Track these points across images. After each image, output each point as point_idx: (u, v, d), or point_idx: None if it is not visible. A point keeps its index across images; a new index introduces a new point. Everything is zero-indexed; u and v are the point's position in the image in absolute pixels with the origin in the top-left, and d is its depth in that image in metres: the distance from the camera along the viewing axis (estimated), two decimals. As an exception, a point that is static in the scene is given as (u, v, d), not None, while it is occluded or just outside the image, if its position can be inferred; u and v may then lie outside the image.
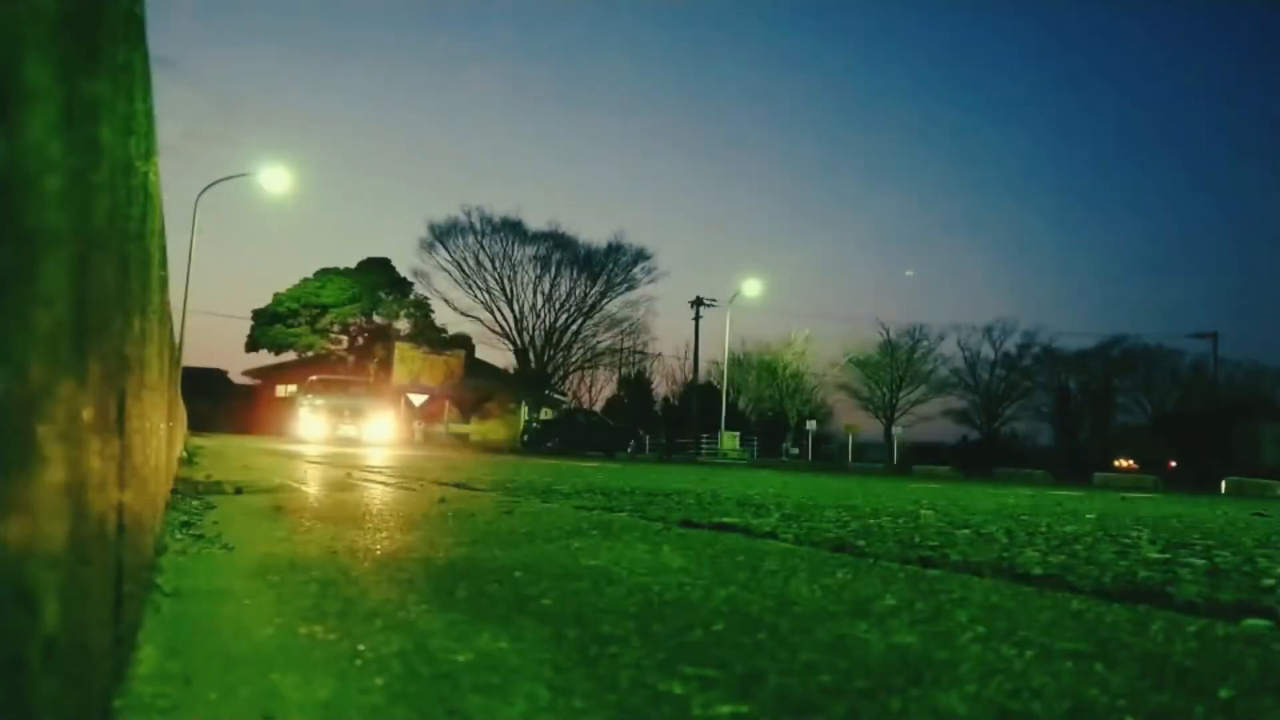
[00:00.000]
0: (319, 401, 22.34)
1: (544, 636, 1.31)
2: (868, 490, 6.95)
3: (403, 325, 47.43)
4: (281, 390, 46.99)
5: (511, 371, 46.20)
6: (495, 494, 4.51)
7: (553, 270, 45.30)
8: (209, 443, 13.75)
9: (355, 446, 16.84)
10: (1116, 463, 44.24)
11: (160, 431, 1.97)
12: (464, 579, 1.81)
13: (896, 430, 39.09)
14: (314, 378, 26.09)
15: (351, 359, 44.50)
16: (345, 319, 48.08)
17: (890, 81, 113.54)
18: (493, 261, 44.58)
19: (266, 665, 1.11)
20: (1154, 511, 5.58)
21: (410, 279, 48.00)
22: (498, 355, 51.72)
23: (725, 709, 0.99)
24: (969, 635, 1.42)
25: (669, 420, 49.96)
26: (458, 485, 5.17)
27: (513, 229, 44.93)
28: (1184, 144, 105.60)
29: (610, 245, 45.78)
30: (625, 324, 47.01)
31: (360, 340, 47.46)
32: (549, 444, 28.16)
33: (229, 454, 9.35)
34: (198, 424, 21.75)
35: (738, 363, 51.23)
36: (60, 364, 0.55)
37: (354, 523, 2.89)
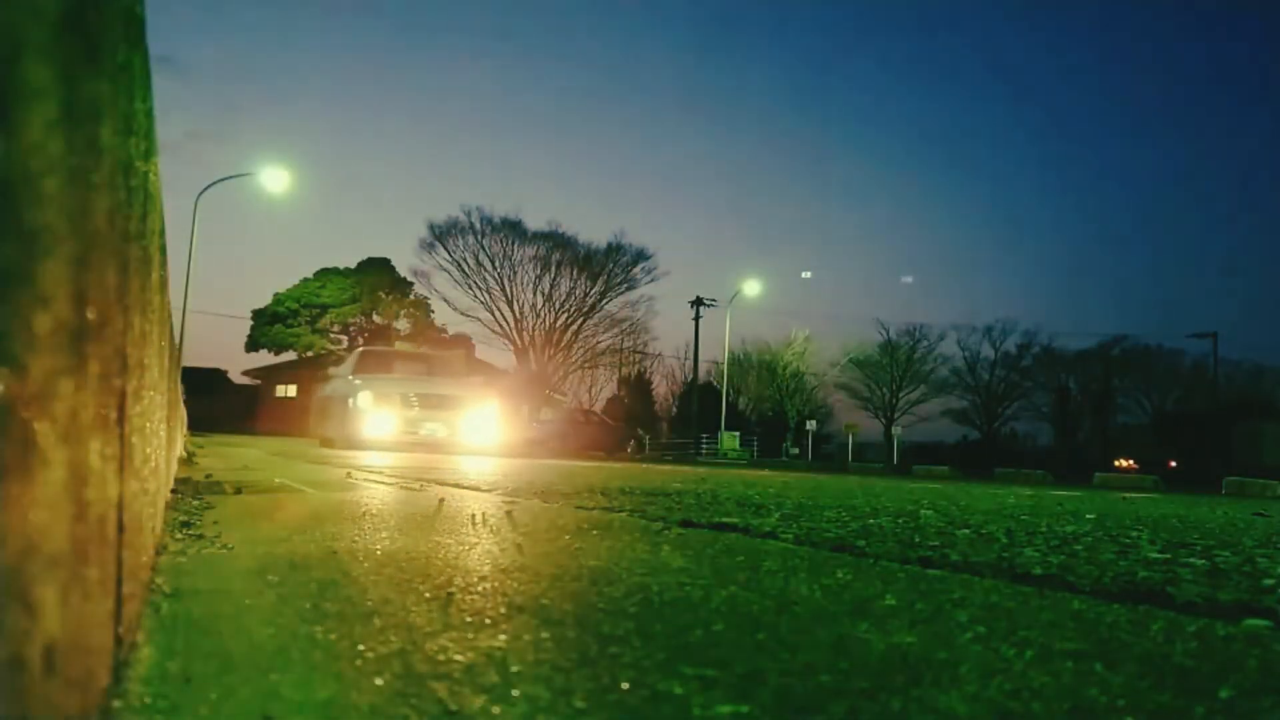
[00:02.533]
0: (384, 386, 14.14)
1: (544, 636, 1.31)
2: (868, 490, 6.95)
3: (403, 325, 47.47)
4: (281, 390, 46.94)
5: (511, 371, 46.19)
6: (495, 494, 4.51)
7: (553, 270, 45.35)
8: (209, 443, 13.74)
9: (440, 453, 12.21)
10: (1116, 463, 44.21)
11: (160, 431, 1.97)
12: (463, 579, 1.81)
13: (896, 430, 39.08)
14: (364, 349, 17.31)
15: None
16: (345, 319, 48.10)
17: (891, 81, 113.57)
18: (493, 261, 44.63)
19: (266, 665, 1.11)
20: (1154, 511, 5.58)
21: (410, 279, 48.05)
22: (498, 355, 51.73)
23: (725, 709, 0.99)
24: (969, 635, 1.42)
25: (669, 420, 49.94)
26: (458, 486, 5.17)
27: (513, 229, 44.99)
28: (1185, 144, 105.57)
29: (610, 245, 45.84)
30: (625, 324, 47.04)
31: (360, 340, 47.47)
32: (549, 444, 28.14)
33: (229, 454, 9.36)
34: (198, 424, 21.32)
35: (737, 363, 51.23)
36: (60, 364, 0.55)
37: (354, 523, 2.89)
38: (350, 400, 14.06)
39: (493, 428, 14.80)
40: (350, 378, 15.03)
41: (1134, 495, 9.38)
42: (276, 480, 5.07)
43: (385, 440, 13.69)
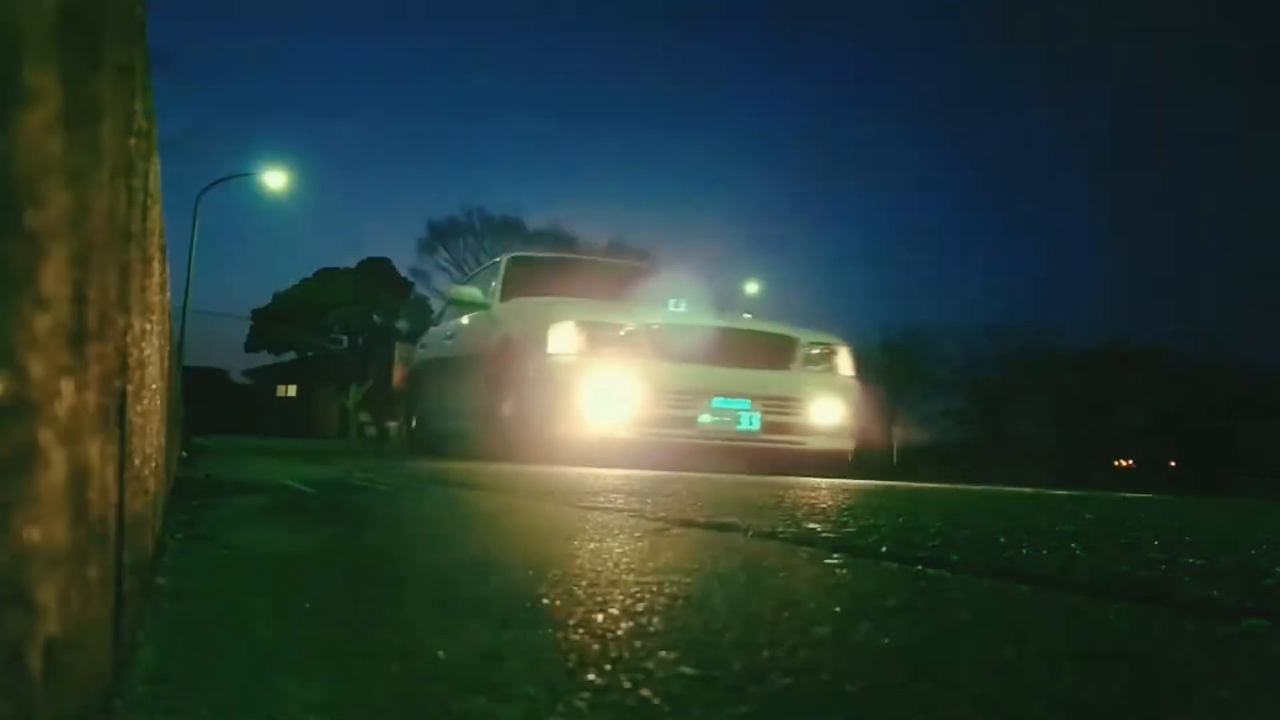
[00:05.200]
0: (600, 312, 6.46)
1: (544, 637, 1.31)
2: (867, 490, 6.95)
3: (403, 325, 47.44)
4: (281, 390, 46.94)
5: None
6: (496, 494, 4.51)
7: (553, 270, 45.36)
8: (209, 443, 13.73)
9: (771, 468, 6.97)
10: (1116, 463, 44.18)
11: (160, 431, 1.97)
12: (464, 579, 1.81)
13: (896, 430, 39.08)
14: (515, 255, 8.64)
15: (351, 359, 44.51)
16: (345, 319, 48.09)
17: (891, 80, 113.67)
18: (493, 261, 44.64)
19: (267, 665, 1.11)
20: (1154, 511, 5.58)
21: (410, 279, 48.06)
22: (498, 355, 51.76)
23: (725, 709, 0.99)
24: (969, 635, 1.42)
25: None
26: (459, 486, 5.17)
27: (513, 229, 45.02)
28: (1185, 144, 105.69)
29: (610, 245, 45.89)
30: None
31: (360, 340, 47.50)
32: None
33: (230, 454, 9.35)
34: (198, 424, 21.15)
35: (738, 363, 51.25)
36: (60, 364, 0.55)
37: (355, 523, 2.90)
38: (524, 348, 6.48)
39: (848, 410, 7.43)
40: (504, 304, 7.37)
41: (1134, 495, 9.38)
42: (277, 480, 5.07)
43: (627, 438, 6.40)
